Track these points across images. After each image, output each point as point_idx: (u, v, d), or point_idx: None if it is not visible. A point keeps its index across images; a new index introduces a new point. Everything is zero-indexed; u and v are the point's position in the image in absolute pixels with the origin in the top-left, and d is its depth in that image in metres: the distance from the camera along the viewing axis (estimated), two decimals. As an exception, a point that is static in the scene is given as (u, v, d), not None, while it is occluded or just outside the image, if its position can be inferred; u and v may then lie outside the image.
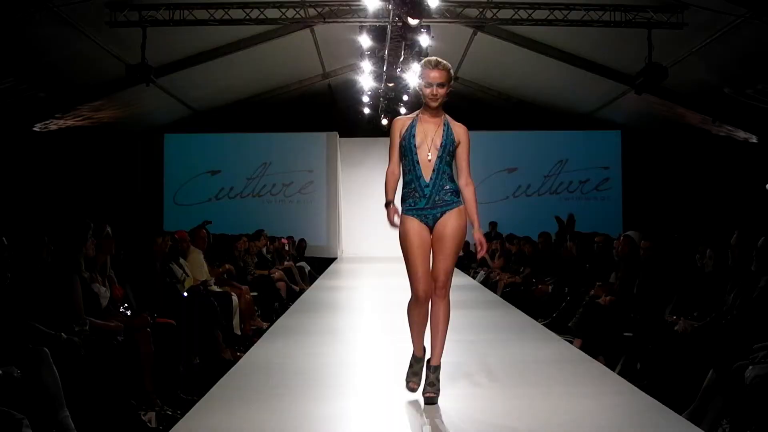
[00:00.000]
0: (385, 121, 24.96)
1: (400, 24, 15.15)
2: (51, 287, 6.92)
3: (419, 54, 17.38)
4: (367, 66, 19.43)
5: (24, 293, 6.64)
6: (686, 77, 16.46)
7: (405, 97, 22.50)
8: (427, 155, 6.14)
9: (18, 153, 19.26)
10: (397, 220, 6.26)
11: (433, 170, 6.13)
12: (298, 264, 18.37)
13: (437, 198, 6.15)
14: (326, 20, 15.87)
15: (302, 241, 22.28)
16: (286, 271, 16.24)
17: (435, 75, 6.09)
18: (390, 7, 14.34)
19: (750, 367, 6.00)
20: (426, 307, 6.23)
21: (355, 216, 25.86)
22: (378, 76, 20.30)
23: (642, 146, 23.45)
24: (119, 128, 22.22)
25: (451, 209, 6.17)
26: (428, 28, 16.46)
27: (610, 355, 8.81)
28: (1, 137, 17.71)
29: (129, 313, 8.20)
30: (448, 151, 6.15)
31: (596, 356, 8.44)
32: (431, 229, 6.20)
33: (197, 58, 18.33)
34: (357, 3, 15.26)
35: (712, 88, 16.80)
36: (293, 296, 14.68)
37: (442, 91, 6.10)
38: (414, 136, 6.16)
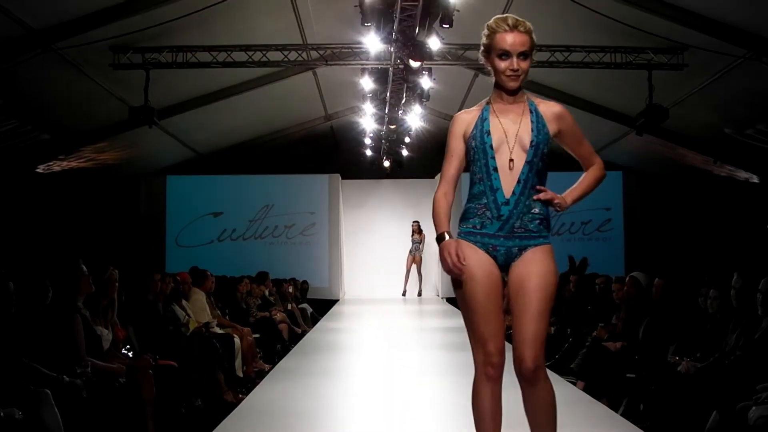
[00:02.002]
0: (387, 163, 25.08)
1: (401, 66, 15.27)
2: (51, 328, 6.92)
3: (421, 96, 17.50)
4: (369, 108, 19.56)
5: (25, 334, 6.64)
6: (687, 118, 16.51)
7: (407, 139, 22.63)
8: (509, 160, 4.35)
9: (21, 194, 19.31)
10: (460, 257, 4.28)
11: (518, 182, 4.32)
12: (300, 306, 18.34)
13: (518, 224, 4.32)
14: (328, 63, 15.95)
15: (304, 282, 22.25)
16: (288, 312, 16.21)
17: (514, 40, 4.32)
18: (392, 49, 14.45)
19: (753, 408, 5.97)
20: (499, 386, 4.33)
21: (357, 258, 25.89)
22: (380, 119, 20.42)
23: (644, 187, 23.47)
24: (122, 170, 22.28)
25: (536, 245, 4.35)
26: (430, 70, 16.57)
27: (614, 397, 8.78)
28: (5, 179, 17.75)
29: (131, 354, 8.18)
30: (541, 154, 4.36)
31: (600, 398, 8.42)
32: (501, 267, 4.37)
33: (200, 101, 18.40)
34: (359, 46, 15.36)
35: (712, 128, 16.84)
36: (295, 338, 14.64)
37: (525, 64, 4.35)
38: (489, 133, 4.40)
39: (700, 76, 14.64)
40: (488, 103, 4.52)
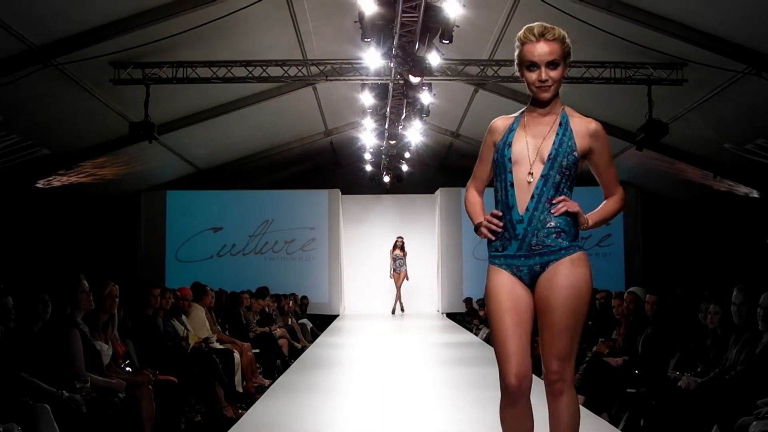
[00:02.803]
0: (387, 178, 25.11)
1: (401, 82, 15.30)
2: (50, 343, 6.91)
3: (420, 111, 17.52)
4: (369, 123, 19.58)
5: (24, 349, 6.63)
6: (687, 133, 16.53)
7: (407, 155, 22.64)
8: (528, 174, 4.23)
9: (21, 209, 19.32)
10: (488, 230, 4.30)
11: (533, 197, 4.20)
12: (300, 321, 18.32)
13: (534, 241, 4.21)
14: (328, 78, 15.98)
15: (304, 298, 22.23)
16: (288, 328, 16.19)
17: (543, 50, 4.20)
18: (392, 65, 14.48)
19: (754, 423, 5.96)
20: (524, 405, 4.22)
21: (357, 273, 25.87)
22: (380, 134, 20.44)
23: (644, 202, 23.46)
24: (122, 185, 22.30)
25: (557, 259, 4.23)
26: (429, 85, 16.60)
27: (614, 412, 8.77)
28: (5, 194, 17.76)
29: (130, 370, 8.17)
30: (560, 166, 4.21)
31: (600, 413, 8.40)
32: (530, 286, 4.29)
33: (200, 116, 18.43)
34: (359, 61, 15.39)
35: (712, 143, 16.86)
36: (295, 353, 14.62)
37: (555, 73, 4.22)
38: (510, 145, 4.28)
39: (700, 91, 14.67)
40: (523, 113, 4.41)
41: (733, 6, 12.05)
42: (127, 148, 17.99)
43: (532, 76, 4.23)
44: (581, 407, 7.22)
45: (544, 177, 4.19)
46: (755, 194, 18.68)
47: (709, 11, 12.33)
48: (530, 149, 4.23)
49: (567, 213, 4.22)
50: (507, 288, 4.25)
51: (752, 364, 7.02)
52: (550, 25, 4.25)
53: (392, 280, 24.67)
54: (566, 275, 4.19)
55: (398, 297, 24.62)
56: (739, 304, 7.60)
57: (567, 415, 4.15)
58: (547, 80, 4.20)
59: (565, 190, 4.24)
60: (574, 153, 4.23)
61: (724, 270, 19.34)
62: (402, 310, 24.49)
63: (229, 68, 15.20)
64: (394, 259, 24.57)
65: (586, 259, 4.30)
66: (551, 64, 4.20)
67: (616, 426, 7.89)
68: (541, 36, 4.19)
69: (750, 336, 7.28)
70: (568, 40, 4.26)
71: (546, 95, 4.25)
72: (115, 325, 8.20)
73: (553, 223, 4.20)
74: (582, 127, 4.26)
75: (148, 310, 9.58)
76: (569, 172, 4.24)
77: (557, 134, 4.23)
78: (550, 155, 4.20)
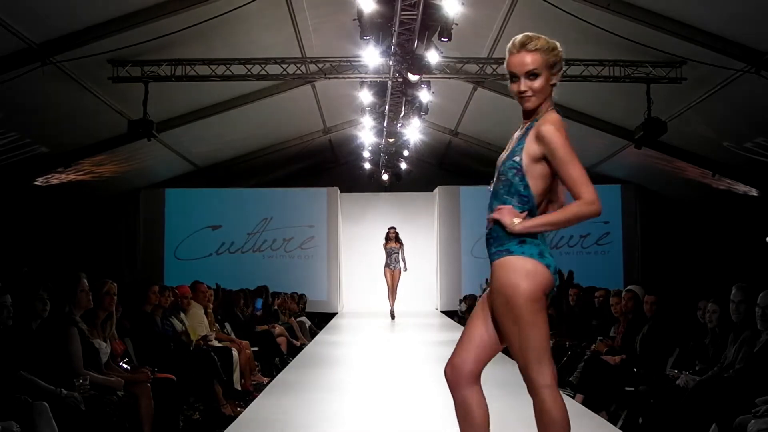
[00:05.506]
0: (385, 176, 25.11)
1: (400, 80, 15.30)
2: (49, 341, 6.91)
3: (419, 109, 17.52)
4: (367, 121, 19.59)
5: (23, 347, 6.63)
6: (685, 131, 16.53)
7: (405, 153, 22.64)
8: (492, 182, 4.35)
9: (19, 207, 19.31)
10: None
11: (488, 207, 4.29)
12: (298, 319, 18.32)
13: (488, 243, 4.29)
14: (327, 76, 15.97)
15: (303, 296, 22.21)
16: (287, 326, 16.20)
17: (521, 60, 4.19)
18: (391, 63, 14.48)
19: (752, 421, 5.97)
20: (462, 397, 4.31)
21: (356, 271, 25.86)
22: (378, 132, 20.45)
23: (642, 200, 23.48)
24: (121, 183, 22.30)
25: (493, 261, 4.24)
26: (428, 83, 16.62)
27: (613, 410, 8.77)
28: (3, 191, 17.76)
29: (129, 368, 8.17)
30: (504, 177, 4.23)
31: (598, 411, 8.40)
32: None
33: (199, 114, 18.42)
34: (358, 59, 15.39)
35: (711, 142, 16.87)
36: (294, 351, 14.61)
37: (535, 84, 4.20)
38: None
39: (699, 89, 14.66)
40: None
41: (732, 4, 12.05)
42: (126, 146, 17.99)
43: (514, 87, 4.24)
44: (580, 405, 7.24)
45: (493, 187, 4.28)
46: (754, 192, 18.69)
47: (708, 9, 12.33)
48: (499, 161, 4.31)
49: (493, 221, 4.21)
50: (485, 295, 4.35)
51: (751, 363, 7.03)
52: (535, 35, 4.22)
53: (385, 277, 21.40)
54: (494, 280, 4.19)
55: (391, 298, 21.21)
56: (737, 302, 7.60)
57: (538, 419, 4.12)
58: (526, 91, 4.20)
59: (506, 197, 4.22)
60: (514, 158, 4.19)
61: (722, 268, 19.35)
62: (392, 317, 20.79)
63: (228, 66, 15.19)
64: (389, 254, 21.36)
65: (516, 261, 4.15)
66: (531, 75, 4.18)
67: (615, 424, 7.89)
68: (523, 46, 4.18)
69: (748, 334, 7.29)
70: (556, 50, 4.23)
71: (527, 105, 4.25)
72: (114, 323, 8.20)
73: (490, 231, 4.25)
74: (536, 131, 4.17)
75: (147, 308, 9.58)
76: (505, 177, 4.21)
77: (517, 144, 4.24)
78: (500, 166, 4.27)
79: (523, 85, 4.19)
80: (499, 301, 4.14)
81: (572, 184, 4.06)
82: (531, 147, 4.16)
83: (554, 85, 4.27)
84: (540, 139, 4.13)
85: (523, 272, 4.10)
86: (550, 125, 4.14)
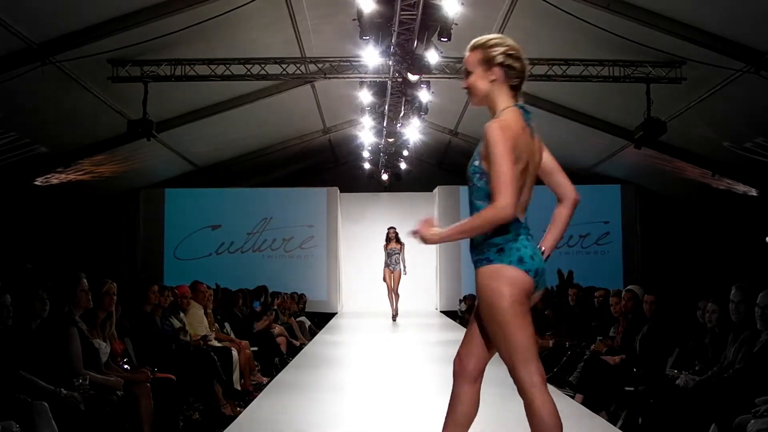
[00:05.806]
0: (385, 176, 25.12)
1: (400, 80, 15.30)
2: (49, 341, 6.91)
3: (419, 109, 17.52)
4: (367, 121, 19.59)
5: (23, 347, 6.63)
6: (685, 131, 16.54)
7: (405, 153, 22.64)
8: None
9: (19, 207, 19.31)
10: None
11: (470, 213, 4.29)
12: (298, 319, 18.31)
13: (471, 251, 4.34)
14: (327, 76, 15.97)
15: (303, 295, 22.20)
16: (287, 326, 16.19)
17: (464, 60, 4.39)
18: (390, 63, 14.49)
19: (752, 421, 5.96)
20: (458, 387, 4.45)
21: (356, 271, 25.86)
22: (378, 132, 20.45)
23: (642, 200, 23.48)
24: (120, 183, 22.30)
25: (476, 268, 4.28)
26: (428, 83, 16.62)
27: (612, 410, 8.77)
28: (2, 191, 17.76)
29: (128, 367, 8.17)
30: (471, 182, 4.29)
31: (598, 411, 8.40)
32: None
33: (198, 114, 18.42)
34: (357, 59, 15.40)
35: (711, 142, 16.87)
36: (293, 351, 14.60)
37: (469, 80, 4.37)
38: None
39: (699, 89, 14.67)
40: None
41: (732, 4, 12.05)
42: (126, 146, 17.99)
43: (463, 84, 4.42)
44: (579, 405, 7.25)
45: (468, 195, 4.32)
46: (754, 192, 18.69)
47: (708, 9, 12.34)
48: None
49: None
50: None
51: (750, 363, 7.03)
52: (486, 35, 4.34)
53: (384, 279, 20.95)
54: (477, 288, 4.24)
55: (392, 301, 20.76)
56: (737, 302, 7.60)
57: (529, 419, 4.19)
58: (465, 87, 4.39)
59: (478, 202, 4.24)
60: (475, 163, 4.26)
61: (722, 268, 19.35)
62: (394, 318, 20.47)
63: (227, 66, 15.19)
64: (389, 255, 20.86)
65: (497, 270, 4.17)
66: (466, 72, 4.36)
67: (614, 424, 7.89)
68: (469, 48, 4.34)
69: (748, 334, 7.28)
70: (494, 47, 4.26)
71: (472, 101, 4.45)
72: (113, 323, 8.20)
73: (470, 240, 4.30)
74: (484, 131, 4.19)
75: (147, 308, 9.58)
76: (472, 183, 4.27)
77: (476, 147, 4.31)
78: (467, 172, 4.32)
79: (463, 82, 4.40)
80: (483, 307, 4.21)
81: (494, 185, 4.06)
82: (483, 148, 4.20)
83: (494, 81, 4.31)
84: (483, 137, 4.17)
85: (504, 279, 4.14)
86: (493, 123, 4.19)
